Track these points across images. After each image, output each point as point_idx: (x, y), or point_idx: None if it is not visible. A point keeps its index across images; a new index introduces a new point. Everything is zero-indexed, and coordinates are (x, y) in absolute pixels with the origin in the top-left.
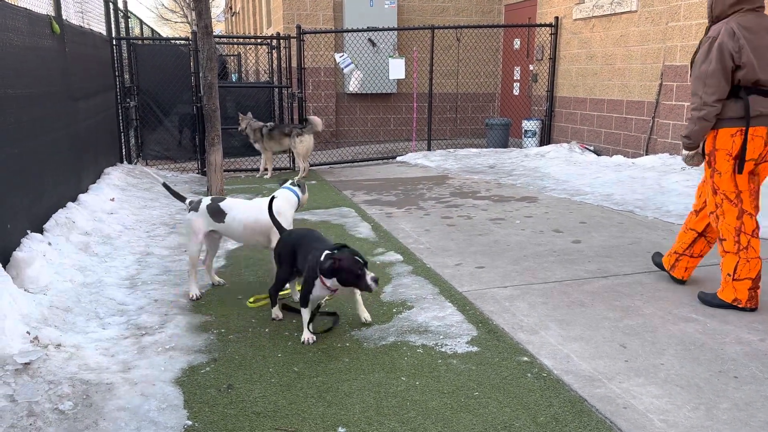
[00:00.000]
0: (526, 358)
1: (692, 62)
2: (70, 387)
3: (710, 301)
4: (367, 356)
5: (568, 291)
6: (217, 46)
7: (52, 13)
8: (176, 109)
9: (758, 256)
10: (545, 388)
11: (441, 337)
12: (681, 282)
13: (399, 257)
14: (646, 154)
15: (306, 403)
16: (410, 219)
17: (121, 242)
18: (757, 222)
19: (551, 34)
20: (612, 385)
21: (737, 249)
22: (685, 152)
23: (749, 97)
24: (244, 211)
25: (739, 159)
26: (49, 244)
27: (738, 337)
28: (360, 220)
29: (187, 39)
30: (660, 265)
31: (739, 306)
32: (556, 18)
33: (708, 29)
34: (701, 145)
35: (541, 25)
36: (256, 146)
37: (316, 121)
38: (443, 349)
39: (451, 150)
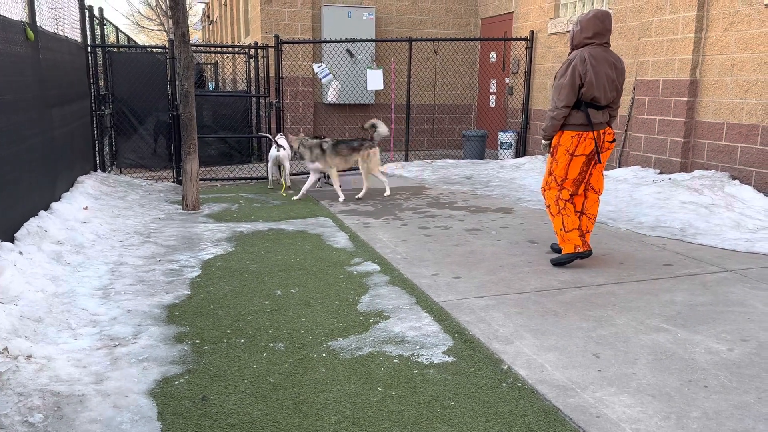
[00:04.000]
0: (501, 368)
1: (555, 77)
2: (40, 399)
3: (562, 261)
4: (343, 367)
5: (542, 301)
6: (194, 54)
7: (26, 20)
8: (152, 117)
9: (574, 213)
10: (520, 398)
11: (417, 347)
12: (590, 253)
13: (376, 267)
14: (619, 167)
15: (281, 414)
16: (388, 229)
17: (95, 252)
18: (573, 196)
19: (526, 47)
20: (585, 395)
21: (558, 210)
22: (543, 142)
23: (588, 110)
24: None
25: (595, 152)
26: (20, 253)
27: (707, 347)
28: (337, 230)
29: (163, 47)
30: (560, 251)
31: (579, 251)
32: (532, 32)
33: (569, 54)
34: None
35: (516, 39)
36: (312, 167)
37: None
38: (419, 360)
39: (429, 161)
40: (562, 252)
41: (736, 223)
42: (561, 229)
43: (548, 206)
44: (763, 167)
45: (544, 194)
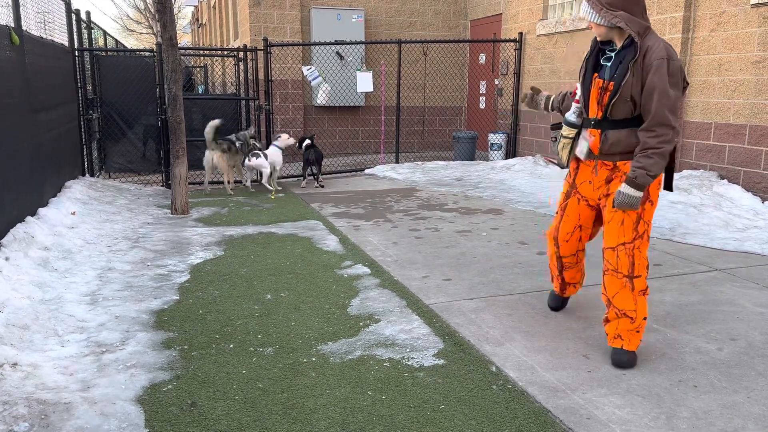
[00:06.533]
0: (491, 370)
1: (649, 87)
2: (26, 407)
3: (630, 361)
4: (333, 371)
5: (532, 302)
6: (183, 57)
7: (12, 24)
8: (140, 120)
9: None
10: (510, 400)
11: (408, 350)
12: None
13: (366, 270)
14: None
15: (270, 420)
16: (378, 231)
17: (82, 257)
18: None
19: (516, 49)
20: (575, 396)
21: (646, 286)
22: (639, 195)
23: None
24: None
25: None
26: (6, 259)
27: (697, 347)
28: (328, 233)
29: (151, 50)
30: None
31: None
32: (521, 34)
33: (622, 48)
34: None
35: (505, 41)
36: None
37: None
38: (410, 363)
39: (419, 163)
40: (624, 347)
41: (725, 222)
42: (645, 318)
43: (635, 278)
44: (750, 166)
45: (626, 259)
